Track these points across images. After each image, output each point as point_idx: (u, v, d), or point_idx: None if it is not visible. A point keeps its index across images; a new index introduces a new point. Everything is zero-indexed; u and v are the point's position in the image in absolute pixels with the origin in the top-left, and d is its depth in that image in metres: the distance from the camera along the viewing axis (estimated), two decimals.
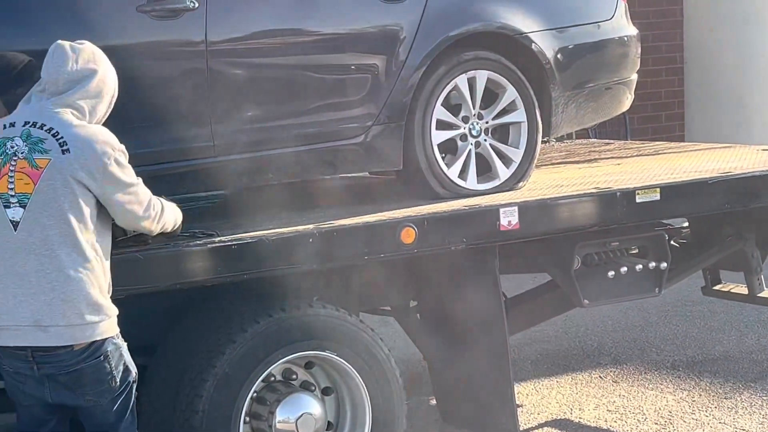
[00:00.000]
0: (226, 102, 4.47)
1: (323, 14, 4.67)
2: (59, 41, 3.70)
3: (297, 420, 4.44)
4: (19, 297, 3.51)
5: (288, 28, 4.61)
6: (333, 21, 4.69)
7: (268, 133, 4.58)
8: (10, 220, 3.52)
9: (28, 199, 3.51)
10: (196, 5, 4.34)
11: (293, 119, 4.62)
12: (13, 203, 3.52)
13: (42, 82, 3.66)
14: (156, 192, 3.95)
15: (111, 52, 4.17)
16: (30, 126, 3.57)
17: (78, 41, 3.73)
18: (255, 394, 4.42)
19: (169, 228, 3.90)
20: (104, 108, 3.73)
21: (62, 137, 3.54)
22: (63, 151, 3.53)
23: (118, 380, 3.66)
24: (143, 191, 3.71)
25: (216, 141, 4.47)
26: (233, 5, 4.47)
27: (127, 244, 3.96)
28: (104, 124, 3.79)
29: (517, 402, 5.26)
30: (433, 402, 5.70)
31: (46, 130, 3.55)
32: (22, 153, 3.54)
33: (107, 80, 3.73)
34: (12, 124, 3.60)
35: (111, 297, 3.74)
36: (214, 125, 4.45)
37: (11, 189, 3.52)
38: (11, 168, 3.53)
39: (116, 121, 4.17)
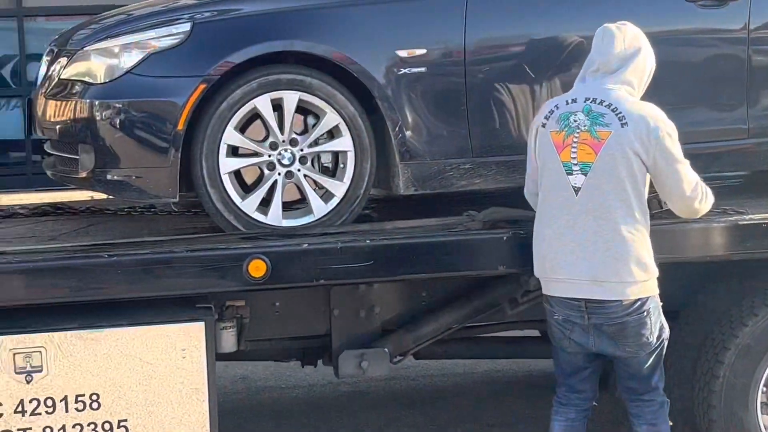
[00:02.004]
0: (763, 87, 4.69)
1: None
2: (606, 25, 4.10)
3: None
4: (577, 254, 3.99)
5: None
6: None
7: None
8: (572, 186, 3.99)
9: (589, 167, 3.96)
10: None
11: None
12: (575, 171, 3.98)
13: (594, 62, 4.07)
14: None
15: (658, 36, 4.52)
16: (590, 102, 4.00)
17: (620, 23, 4.10)
18: None
19: (703, 212, 4.20)
20: (646, 81, 4.11)
21: (620, 112, 3.95)
22: (622, 125, 3.94)
23: (654, 336, 4.05)
24: (691, 172, 4.04)
25: (750, 124, 4.71)
26: None
27: (660, 216, 4.31)
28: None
29: None
30: None
31: (605, 106, 3.97)
32: (584, 126, 3.98)
33: (648, 57, 4.10)
34: (573, 100, 4.05)
35: None
36: (750, 109, 4.70)
37: (574, 158, 3.98)
38: (574, 140, 3.99)
39: (658, 100, 4.59)
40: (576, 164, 3.99)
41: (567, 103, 4.07)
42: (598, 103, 4.00)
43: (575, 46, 4.56)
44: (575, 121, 4.01)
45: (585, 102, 4.03)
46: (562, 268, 4.04)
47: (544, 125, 4.08)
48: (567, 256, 4.02)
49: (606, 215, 3.96)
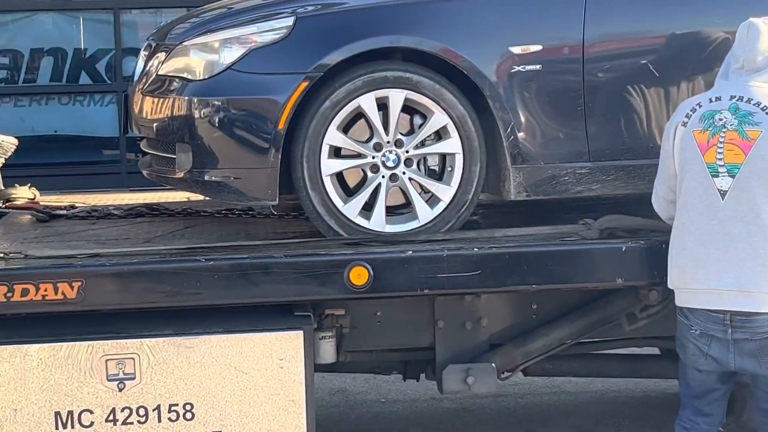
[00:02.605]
0: None
1: None
2: (751, 19, 4.01)
3: None
4: (723, 262, 3.89)
5: None
6: None
7: None
8: (718, 189, 3.90)
9: (738, 169, 3.87)
10: None
11: None
12: (722, 173, 3.90)
13: (739, 58, 3.99)
14: None
15: None
16: (737, 100, 3.92)
17: (766, 18, 4.01)
18: None
19: None
20: None
21: None
22: None
23: None
24: None
25: None
26: None
27: None
28: None
29: None
30: None
31: (754, 104, 3.89)
32: (731, 125, 3.90)
33: None
34: (718, 98, 3.97)
35: None
36: None
37: (720, 160, 3.89)
38: (720, 140, 3.90)
39: None
40: (722, 166, 3.91)
41: (710, 101, 3.99)
42: (746, 101, 3.92)
43: (707, 43, 4.51)
44: (721, 120, 3.93)
45: (731, 100, 3.95)
46: (705, 278, 3.94)
47: (684, 124, 4.00)
48: (712, 265, 3.93)
49: (755, 220, 3.86)
